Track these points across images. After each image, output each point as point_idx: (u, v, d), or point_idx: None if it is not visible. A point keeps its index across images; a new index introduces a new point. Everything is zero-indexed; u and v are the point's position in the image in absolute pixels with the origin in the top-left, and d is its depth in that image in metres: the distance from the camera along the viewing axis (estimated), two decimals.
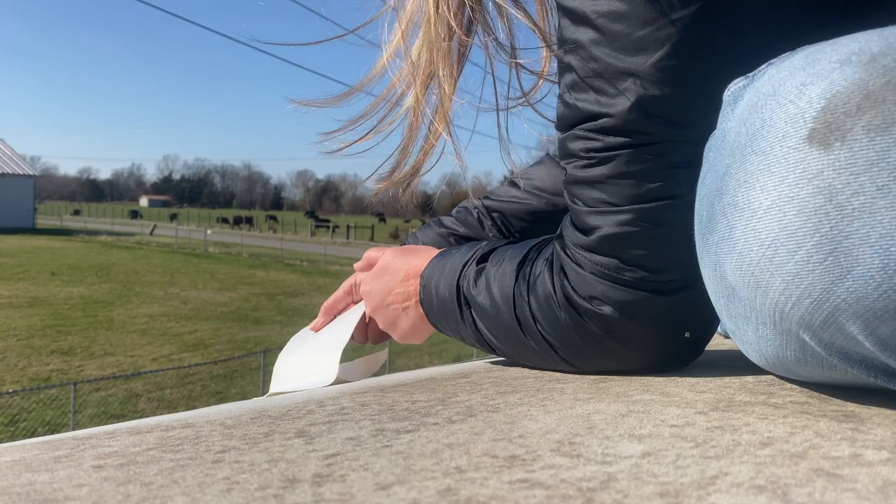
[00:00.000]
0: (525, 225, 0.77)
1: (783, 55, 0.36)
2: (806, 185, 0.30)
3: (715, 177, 0.37)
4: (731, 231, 0.34)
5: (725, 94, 0.39)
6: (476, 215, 0.78)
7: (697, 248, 0.40)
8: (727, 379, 0.45)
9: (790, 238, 0.31)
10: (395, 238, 35.66)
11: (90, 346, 9.16)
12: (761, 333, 0.36)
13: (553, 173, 0.76)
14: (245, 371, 7.94)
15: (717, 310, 0.40)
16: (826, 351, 0.33)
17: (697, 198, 0.40)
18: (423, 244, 0.77)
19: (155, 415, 0.46)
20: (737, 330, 0.39)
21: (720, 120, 0.39)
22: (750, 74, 0.37)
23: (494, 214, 0.77)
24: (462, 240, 0.77)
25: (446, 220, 0.80)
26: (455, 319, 0.57)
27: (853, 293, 0.29)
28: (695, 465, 0.27)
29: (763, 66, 0.37)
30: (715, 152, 0.38)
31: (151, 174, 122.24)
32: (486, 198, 0.79)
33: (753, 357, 0.40)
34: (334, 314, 0.75)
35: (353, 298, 0.74)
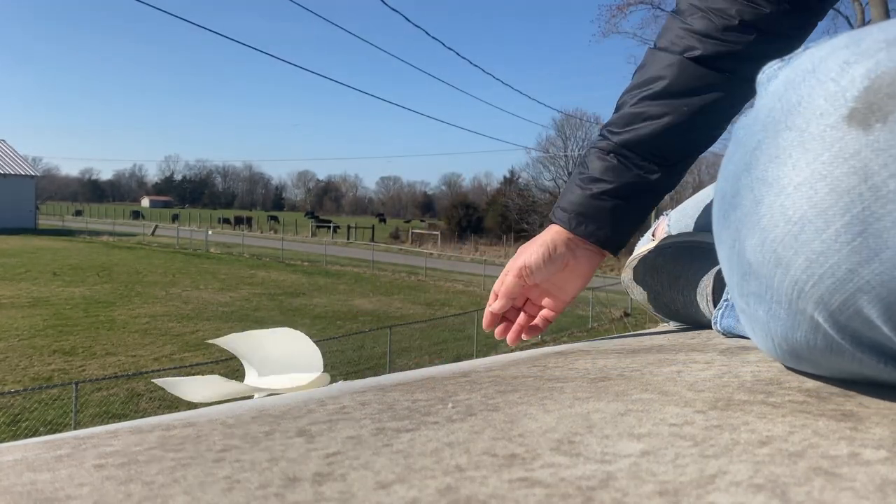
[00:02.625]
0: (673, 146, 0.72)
1: (822, 39, 0.35)
2: (841, 164, 0.29)
3: (744, 152, 0.36)
4: (757, 206, 0.34)
5: (760, 75, 0.38)
6: (615, 158, 0.73)
7: (716, 225, 0.39)
8: (726, 378, 0.45)
9: (819, 216, 0.30)
10: (396, 238, 35.63)
11: (92, 346, 9.17)
12: (773, 312, 0.35)
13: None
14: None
15: (729, 289, 0.40)
16: (839, 334, 0.32)
17: (722, 174, 0.39)
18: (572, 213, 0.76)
19: (156, 414, 0.46)
20: (747, 308, 0.38)
21: (755, 99, 0.38)
22: (786, 57, 0.37)
23: (636, 149, 0.72)
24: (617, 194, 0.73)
25: (584, 179, 0.74)
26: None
27: (878, 276, 0.29)
28: (694, 464, 0.27)
29: (799, 50, 0.36)
30: (746, 129, 0.37)
31: (153, 175, 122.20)
32: (612, 132, 0.73)
33: (759, 338, 0.39)
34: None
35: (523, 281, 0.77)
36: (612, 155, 0.73)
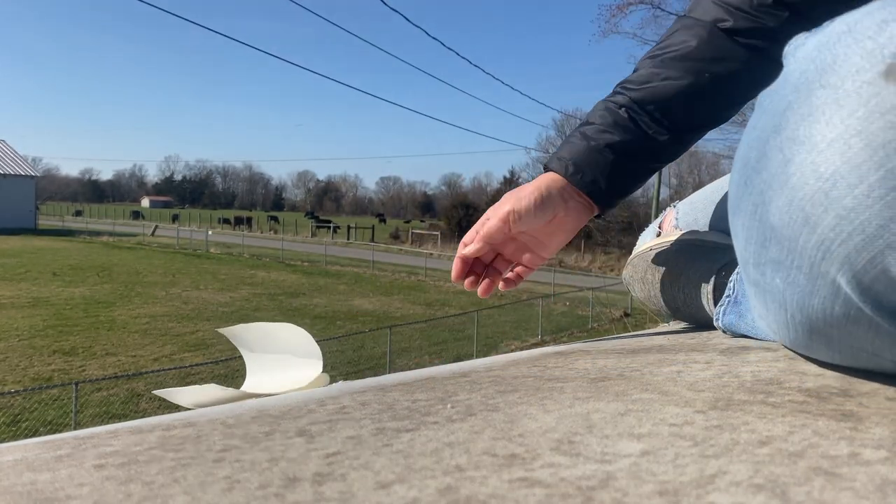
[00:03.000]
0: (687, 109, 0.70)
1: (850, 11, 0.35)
2: (878, 119, 0.29)
3: (771, 115, 0.36)
4: (786, 166, 0.33)
5: (787, 46, 0.38)
6: (626, 113, 0.71)
7: (735, 195, 0.39)
8: (726, 378, 0.45)
9: (852, 171, 0.30)
10: (396, 238, 35.60)
11: (92, 346, 9.17)
12: (792, 279, 0.35)
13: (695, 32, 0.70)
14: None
15: (741, 263, 0.39)
16: (861, 297, 0.32)
17: (744, 143, 0.39)
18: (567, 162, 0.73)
19: (156, 414, 0.46)
20: (762, 279, 0.38)
21: (783, 69, 0.38)
22: (812, 30, 0.36)
23: (650, 107, 0.70)
24: (621, 148, 0.71)
25: (589, 130, 0.72)
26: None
27: None
28: (693, 464, 0.27)
29: (826, 23, 0.35)
30: (772, 96, 0.37)
31: (153, 175, 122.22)
32: (627, 88, 0.72)
33: (772, 311, 0.39)
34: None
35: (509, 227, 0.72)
36: (623, 109, 0.71)
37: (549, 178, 0.73)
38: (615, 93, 0.74)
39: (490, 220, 0.73)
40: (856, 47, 0.31)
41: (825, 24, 0.35)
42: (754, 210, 0.36)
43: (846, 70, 0.31)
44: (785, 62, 0.37)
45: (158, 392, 0.64)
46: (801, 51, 0.35)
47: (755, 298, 0.40)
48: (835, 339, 0.37)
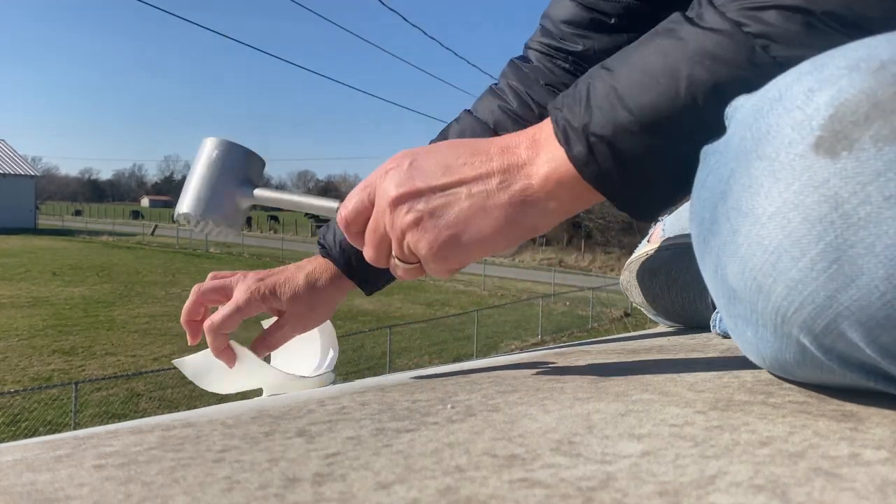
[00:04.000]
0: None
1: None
2: (812, 192, 0.30)
3: (717, 180, 0.36)
4: (734, 235, 0.34)
5: (727, 109, 0.37)
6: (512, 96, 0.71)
7: (698, 249, 0.40)
8: (726, 378, 0.45)
9: (794, 245, 0.31)
10: None
11: (91, 346, 9.17)
12: (761, 335, 0.36)
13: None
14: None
15: (718, 308, 0.40)
16: (826, 356, 0.33)
17: (697, 200, 0.39)
18: (477, 123, 0.72)
19: (156, 414, 0.46)
20: (736, 329, 0.39)
21: (726, 128, 0.38)
22: (750, 93, 0.36)
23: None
24: (516, 117, 0.70)
25: (499, 89, 0.73)
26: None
27: (856, 301, 0.29)
28: (694, 465, 0.27)
29: (763, 87, 0.36)
30: (716, 156, 0.37)
31: (153, 174, 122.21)
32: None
33: (752, 357, 0.40)
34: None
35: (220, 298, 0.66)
36: None
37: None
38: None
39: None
40: (787, 118, 0.32)
41: (762, 88, 0.35)
42: (715, 270, 0.37)
43: (779, 142, 0.32)
44: (727, 123, 0.37)
45: (178, 363, 0.64)
46: (740, 113, 0.36)
47: (735, 341, 0.41)
48: (814, 380, 0.37)
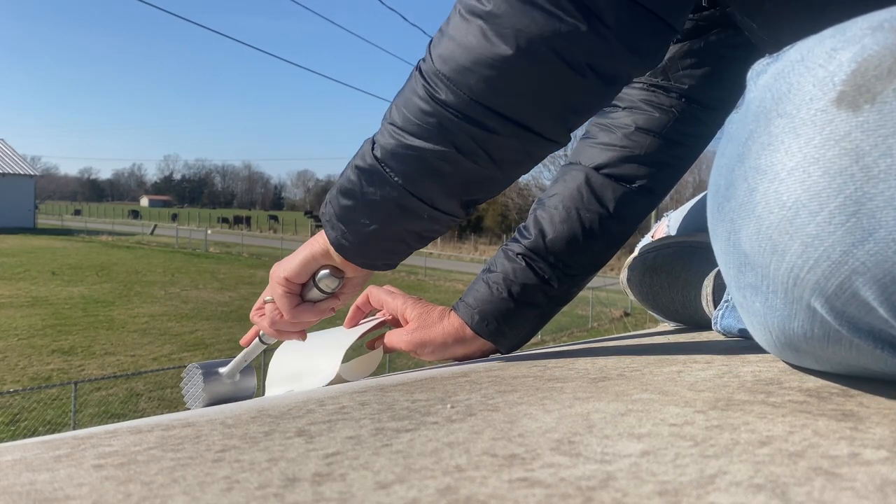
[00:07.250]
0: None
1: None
2: (833, 146, 0.30)
3: (736, 144, 0.36)
4: (751, 195, 0.34)
5: (749, 72, 0.38)
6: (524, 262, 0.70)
7: (711, 220, 0.40)
8: (726, 378, 0.45)
9: (813, 199, 0.30)
10: None
11: (91, 346, 9.17)
12: (770, 303, 0.35)
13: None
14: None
15: (727, 283, 0.40)
16: (836, 320, 0.32)
17: (714, 169, 0.39)
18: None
19: (155, 414, 0.46)
20: (744, 301, 0.38)
21: (745, 94, 0.38)
22: (775, 54, 0.37)
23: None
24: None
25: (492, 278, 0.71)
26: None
27: (873, 256, 0.29)
28: (694, 464, 0.27)
29: (787, 47, 0.36)
30: (737, 123, 0.37)
31: (152, 174, 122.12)
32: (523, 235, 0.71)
33: (758, 331, 0.39)
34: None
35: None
36: (520, 257, 0.73)
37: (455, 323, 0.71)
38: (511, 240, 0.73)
39: (396, 341, 0.71)
40: (808, 76, 0.32)
41: (784, 50, 0.36)
42: (728, 237, 0.37)
43: (800, 98, 0.32)
44: (747, 88, 0.38)
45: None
46: (762, 78, 0.36)
47: (742, 317, 0.41)
48: (820, 356, 0.37)
